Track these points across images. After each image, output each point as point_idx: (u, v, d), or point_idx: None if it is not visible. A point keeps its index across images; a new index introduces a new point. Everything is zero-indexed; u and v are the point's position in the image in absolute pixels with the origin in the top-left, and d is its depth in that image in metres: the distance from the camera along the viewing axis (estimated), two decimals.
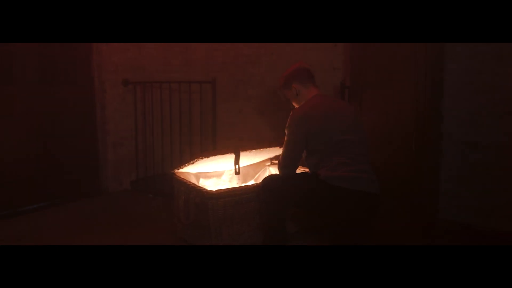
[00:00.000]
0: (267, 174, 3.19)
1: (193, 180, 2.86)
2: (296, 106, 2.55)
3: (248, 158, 2.99)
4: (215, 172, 3.06)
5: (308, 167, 2.43)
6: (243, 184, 3.07)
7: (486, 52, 2.87)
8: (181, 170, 2.78)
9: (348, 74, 3.21)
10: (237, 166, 2.68)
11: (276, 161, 3.16)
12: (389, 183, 2.97)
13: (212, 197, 2.46)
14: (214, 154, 2.58)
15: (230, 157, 2.70)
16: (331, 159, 2.24)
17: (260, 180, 3.12)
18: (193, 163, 2.65)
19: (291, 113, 2.36)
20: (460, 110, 3.03)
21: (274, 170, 3.17)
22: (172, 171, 2.83)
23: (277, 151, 2.85)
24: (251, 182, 3.17)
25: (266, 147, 2.79)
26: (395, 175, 2.92)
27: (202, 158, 2.54)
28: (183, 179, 2.77)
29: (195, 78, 4.19)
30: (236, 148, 2.64)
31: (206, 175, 3.02)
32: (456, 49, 2.98)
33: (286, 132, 2.39)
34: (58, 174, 3.71)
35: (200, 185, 2.77)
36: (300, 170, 2.68)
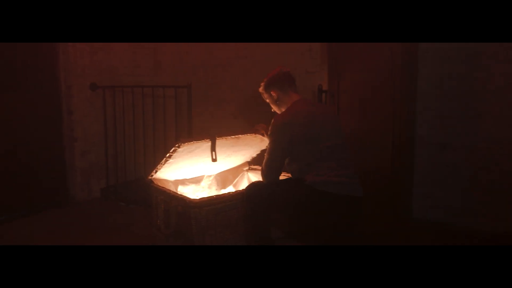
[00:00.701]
0: (245, 180, 3.17)
1: (171, 187, 2.79)
2: (277, 111, 2.54)
3: (225, 161, 2.95)
4: (194, 179, 3.00)
5: (291, 173, 2.43)
6: (223, 191, 3.05)
7: (456, 57, 2.98)
8: (158, 174, 2.69)
9: (325, 78, 3.24)
10: (213, 153, 2.61)
11: (254, 167, 3.16)
12: (366, 185, 3.03)
13: (195, 206, 2.40)
14: (190, 141, 2.48)
15: (207, 147, 2.62)
16: (316, 164, 2.25)
17: (239, 186, 3.12)
18: (170, 156, 2.53)
19: (273, 120, 2.34)
20: (432, 113, 3.14)
21: (252, 175, 3.15)
22: (149, 177, 2.74)
23: (252, 139, 2.81)
24: (229, 188, 3.14)
25: (241, 134, 2.72)
26: (372, 177, 2.97)
27: (179, 147, 2.43)
28: (162, 187, 2.69)
29: (165, 81, 4.10)
30: (212, 135, 2.57)
31: (184, 182, 2.95)
32: (428, 54, 3.08)
33: (268, 139, 2.37)
34: (22, 184, 3.51)
35: (180, 193, 2.70)
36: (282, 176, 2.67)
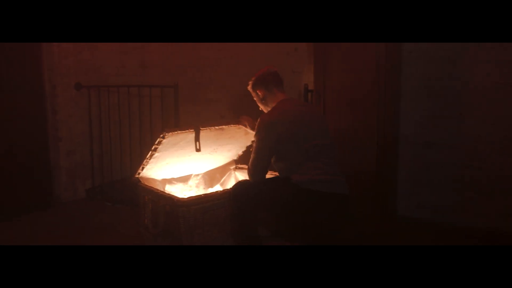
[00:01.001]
0: (232, 178, 3.19)
1: (158, 187, 2.79)
2: (264, 110, 2.55)
3: (212, 157, 2.97)
4: (181, 178, 3.00)
5: (278, 172, 2.44)
6: (210, 190, 3.05)
7: (440, 57, 3.04)
8: (145, 171, 2.69)
9: (311, 78, 3.27)
10: (197, 143, 2.62)
11: (241, 166, 3.17)
12: (352, 184, 3.07)
13: (183, 205, 2.41)
14: (174, 131, 2.48)
15: (191, 140, 2.63)
16: (302, 163, 2.27)
17: (226, 185, 3.13)
18: (155, 149, 2.52)
19: (259, 120, 2.35)
20: (416, 113, 3.19)
21: (239, 174, 3.16)
22: (136, 175, 2.73)
23: (236, 131, 2.83)
24: (217, 186, 3.15)
25: (225, 125, 2.74)
26: (358, 176, 3.02)
27: (164, 137, 2.43)
28: (150, 186, 2.69)
29: (152, 81, 4.08)
30: (196, 125, 2.59)
31: (172, 181, 2.95)
32: (412, 54, 3.14)
33: (255, 138, 2.38)
34: (5, 185, 3.45)
35: (167, 192, 2.70)
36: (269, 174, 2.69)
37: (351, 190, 2.37)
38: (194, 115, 4.31)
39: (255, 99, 2.58)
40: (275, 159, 2.38)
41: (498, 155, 2.93)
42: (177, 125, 3.55)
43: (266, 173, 2.39)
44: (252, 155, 2.38)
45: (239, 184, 2.40)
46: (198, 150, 2.64)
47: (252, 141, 2.49)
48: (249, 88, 2.56)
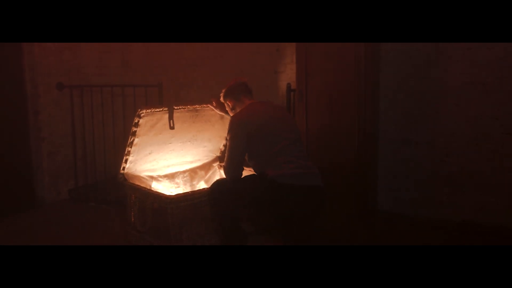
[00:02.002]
0: (217, 175, 3.24)
1: (145, 184, 2.81)
2: None
3: (192, 144, 3.05)
4: (167, 175, 3.03)
5: (253, 169, 2.51)
6: (197, 187, 3.10)
7: (417, 57, 3.17)
8: (129, 165, 2.72)
9: (294, 78, 3.35)
10: (171, 121, 2.71)
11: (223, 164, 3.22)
12: (334, 180, 3.16)
13: (171, 202, 2.44)
14: (149, 108, 2.57)
15: (167, 121, 2.73)
16: (275, 158, 2.34)
17: (210, 182, 3.17)
18: (134, 133, 2.58)
19: (230, 120, 2.47)
20: (395, 110, 3.32)
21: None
22: (121, 171, 2.75)
23: (212, 115, 2.96)
24: (201, 183, 3.19)
25: (198, 105, 2.87)
26: (339, 172, 3.11)
27: (140, 116, 2.53)
28: (137, 185, 2.71)
29: (134, 81, 4.09)
30: (169, 104, 2.70)
31: (158, 179, 2.98)
32: (390, 55, 3.26)
33: (227, 137, 2.46)
34: None
35: (154, 190, 2.73)
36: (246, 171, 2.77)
37: (332, 185, 2.45)
38: None
39: (227, 109, 2.69)
40: (248, 157, 2.46)
41: (471, 151, 3.07)
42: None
43: (241, 170, 2.46)
44: (226, 154, 2.46)
45: (217, 182, 2.48)
46: (172, 128, 2.73)
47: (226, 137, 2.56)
48: (221, 99, 2.68)
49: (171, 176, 3.05)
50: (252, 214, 2.78)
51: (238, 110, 2.57)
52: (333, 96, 3.07)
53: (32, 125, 3.75)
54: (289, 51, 3.72)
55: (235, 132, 2.38)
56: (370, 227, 3.15)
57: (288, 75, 3.77)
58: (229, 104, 2.62)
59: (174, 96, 4.29)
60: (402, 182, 3.36)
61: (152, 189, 2.81)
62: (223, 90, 2.64)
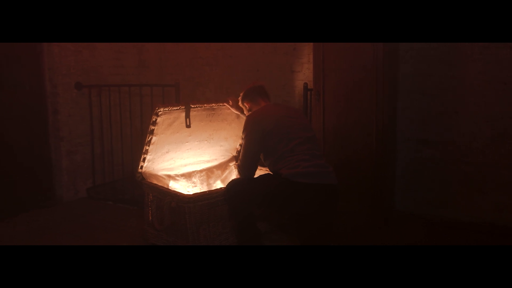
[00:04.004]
0: (233, 175, 3.25)
1: (162, 183, 2.84)
2: None
3: (209, 143, 3.09)
4: (184, 174, 3.05)
5: (268, 168, 2.53)
6: (215, 186, 3.12)
7: (435, 56, 3.14)
8: (147, 164, 2.76)
9: (310, 77, 3.34)
10: (188, 119, 2.75)
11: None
12: (351, 180, 3.15)
13: (189, 201, 2.47)
14: (166, 107, 2.61)
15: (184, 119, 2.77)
16: (289, 157, 2.36)
17: (227, 181, 3.19)
18: (152, 131, 2.61)
19: (245, 119, 2.55)
20: (412, 110, 3.29)
21: None
22: (139, 170, 2.78)
23: (228, 114, 3.01)
24: (218, 183, 3.21)
25: (214, 104, 2.91)
26: (357, 172, 3.09)
27: (157, 114, 2.57)
28: (155, 184, 2.74)
29: (151, 80, 4.12)
30: (186, 102, 2.74)
31: (175, 178, 3.00)
32: (408, 54, 3.23)
33: (242, 136, 2.51)
34: (6, 184, 3.48)
35: (172, 189, 2.76)
36: (262, 170, 2.79)
37: (348, 184, 2.44)
38: None
39: (245, 111, 2.76)
40: (263, 157, 2.49)
41: (491, 151, 3.03)
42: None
43: (255, 169, 2.50)
44: (241, 153, 2.51)
45: (233, 181, 2.52)
46: (188, 126, 2.77)
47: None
48: (239, 103, 2.77)
49: (188, 175, 3.07)
50: (267, 212, 2.80)
51: (254, 110, 2.62)
52: (350, 96, 3.06)
53: (51, 124, 3.81)
54: (306, 50, 3.71)
55: (249, 130, 2.44)
56: (386, 227, 3.12)
57: (305, 74, 3.76)
58: (246, 106, 2.71)
59: (191, 95, 4.31)
60: (419, 182, 3.33)
61: (170, 188, 2.84)
62: (241, 94, 2.73)
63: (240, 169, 2.52)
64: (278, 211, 2.77)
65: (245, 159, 2.46)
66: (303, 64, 3.76)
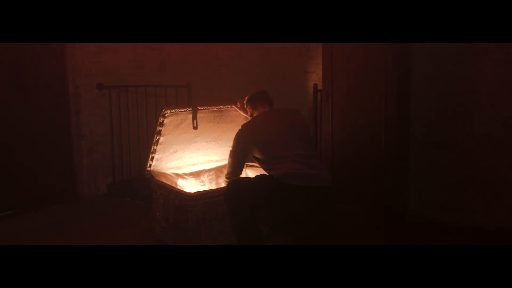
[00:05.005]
0: (243, 175, 3.27)
1: (171, 181, 2.91)
2: None
3: (217, 143, 3.15)
4: (193, 173, 3.12)
5: (265, 171, 2.59)
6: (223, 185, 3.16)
7: (449, 57, 3.05)
8: (155, 163, 2.85)
9: (320, 78, 3.33)
10: (195, 121, 2.82)
11: (252, 164, 3.26)
12: (359, 182, 3.11)
13: (191, 199, 2.52)
14: (173, 108, 2.68)
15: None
16: (280, 159, 2.44)
17: None
18: (159, 132, 2.69)
19: (238, 131, 2.65)
20: (425, 112, 3.20)
21: (249, 171, 3.26)
22: (148, 168, 2.87)
23: (236, 116, 3.06)
24: None
25: (222, 105, 2.97)
26: (365, 174, 3.05)
27: (165, 116, 2.63)
28: (162, 181, 2.82)
29: (169, 81, 4.22)
30: (194, 104, 2.83)
31: (184, 177, 3.07)
32: (421, 55, 3.15)
33: (231, 146, 2.66)
34: (31, 180, 3.68)
35: (178, 187, 2.82)
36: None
37: (357, 188, 2.41)
38: None
39: (248, 114, 2.87)
40: (261, 159, 2.56)
41: (507, 155, 2.91)
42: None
43: (238, 175, 2.65)
44: (228, 159, 2.68)
45: (232, 182, 2.56)
46: (195, 127, 2.83)
47: None
48: (244, 106, 2.86)
49: (196, 174, 3.13)
50: (264, 213, 2.84)
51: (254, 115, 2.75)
52: (358, 96, 3.03)
53: (74, 124, 3.98)
54: (320, 51, 3.69)
55: (236, 143, 2.62)
56: (397, 232, 3.06)
57: (318, 75, 3.75)
58: (248, 110, 2.82)
59: (207, 95, 4.39)
60: (432, 186, 3.24)
61: (178, 186, 2.90)
62: (245, 98, 2.82)
63: (226, 172, 2.70)
64: (273, 211, 2.80)
65: (228, 166, 2.67)
66: (317, 64, 3.75)
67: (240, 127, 2.66)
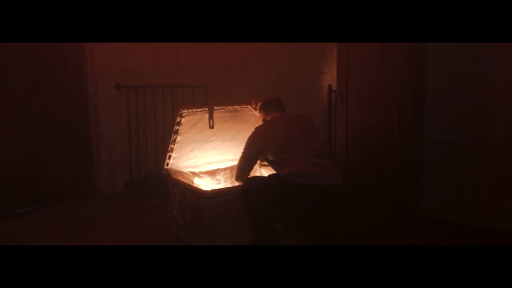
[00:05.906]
0: (257, 173, 3.32)
1: (187, 180, 2.96)
2: None
3: (232, 143, 3.21)
4: (209, 171, 3.17)
5: (275, 170, 2.66)
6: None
7: (465, 58, 3.04)
8: (172, 161, 2.90)
9: (334, 79, 3.35)
10: (211, 120, 2.88)
11: (265, 163, 3.30)
12: (373, 183, 3.12)
13: (207, 197, 2.57)
14: (190, 108, 2.74)
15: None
16: (290, 160, 2.52)
17: None
18: (177, 131, 2.75)
19: (250, 134, 2.73)
20: (441, 113, 3.20)
21: (264, 170, 3.30)
22: (165, 167, 2.93)
23: (251, 115, 3.12)
24: None
25: (238, 105, 3.03)
26: (379, 175, 3.06)
27: (182, 116, 2.70)
28: (178, 180, 2.87)
29: (185, 81, 4.28)
30: (210, 104, 2.88)
31: (200, 175, 3.12)
32: (437, 55, 3.15)
33: (244, 146, 2.73)
34: (51, 176, 3.79)
35: (195, 185, 2.88)
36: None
37: (371, 188, 2.44)
38: None
39: (261, 118, 2.96)
40: (272, 161, 2.64)
41: None
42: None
43: (246, 175, 2.73)
44: (238, 161, 2.76)
45: (248, 180, 2.65)
46: (211, 127, 2.89)
47: None
48: (257, 112, 2.96)
49: (212, 173, 3.18)
50: (281, 212, 2.90)
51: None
52: (372, 97, 3.04)
53: (92, 122, 4.07)
54: (334, 51, 3.70)
55: (246, 146, 2.71)
56: (411, 232, 3.06)
57: (332, 75, 3.75)
58: (261, 115, 2.91)
59: (222, 96, 4.44)
60: (448, 186, 3.23)
61: (194, 184, 2.96)
62: (259, 103, 2.92)
63: (235, 173, 2.79)
64: (285, 210, 2.86)
65: (237, 168, 2.76)
66: (331, 65, 3.76)
67: (253, 130, 2.72)
